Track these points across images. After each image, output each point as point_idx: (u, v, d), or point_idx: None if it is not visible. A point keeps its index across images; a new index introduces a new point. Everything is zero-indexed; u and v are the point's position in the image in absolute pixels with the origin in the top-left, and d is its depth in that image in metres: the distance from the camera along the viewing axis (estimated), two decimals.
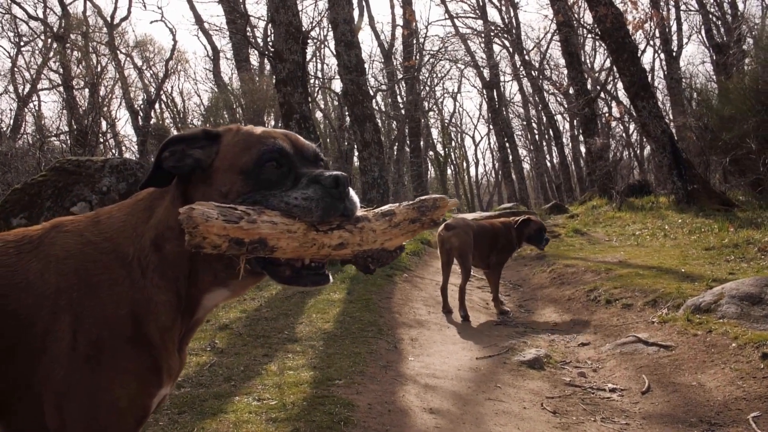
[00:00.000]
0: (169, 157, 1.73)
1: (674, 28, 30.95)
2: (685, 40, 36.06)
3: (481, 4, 34.23)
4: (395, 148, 26.31)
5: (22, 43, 32.12)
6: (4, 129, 28.35)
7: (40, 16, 31.94)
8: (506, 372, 5.14)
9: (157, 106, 35.47)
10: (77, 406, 1.58)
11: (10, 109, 35.24)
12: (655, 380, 4.70)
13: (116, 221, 1.77)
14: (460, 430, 3.76)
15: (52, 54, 30.85)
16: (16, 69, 32.21)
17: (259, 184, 1.64)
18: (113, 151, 32.59)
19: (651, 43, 32.94)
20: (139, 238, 1.73)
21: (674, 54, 29.47)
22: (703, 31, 31.17)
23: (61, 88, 30.45)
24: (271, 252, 1.52)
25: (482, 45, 35.83)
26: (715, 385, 4.34)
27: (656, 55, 35.36)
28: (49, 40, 31.29)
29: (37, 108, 33.24)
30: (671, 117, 26.54)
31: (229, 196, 1.63)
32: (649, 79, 28.50)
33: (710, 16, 29.22)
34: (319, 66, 35.53)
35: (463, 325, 7.06)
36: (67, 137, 26.69)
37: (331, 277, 1.70)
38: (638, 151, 36.83)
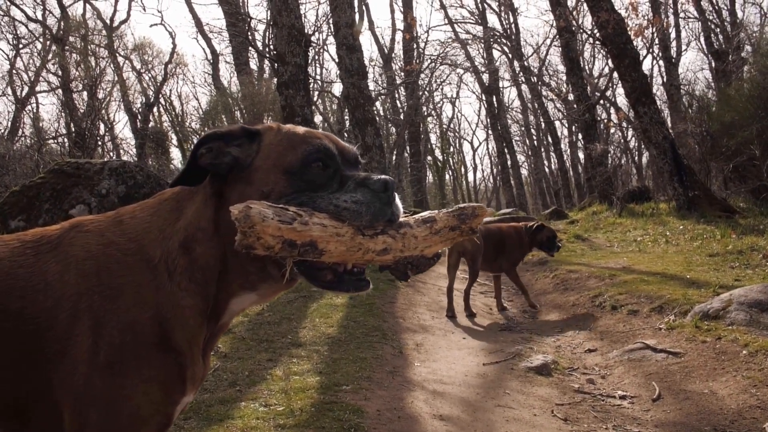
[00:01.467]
0: (205, 154, 1.67)
1: (673, 35, 31.03)
2: (684, 47, 36.26)
3: (480, 9, 34.32)
4: (395, 153, 26.27)
5: (20, 45, 32.06)
6: (2, 131, 28.28)
7: (39, 18, 31.89)
8: (514, 378, 5.08)
9: (155, 109, 35.43)
10: (97, 413, 1.51)
11: (8, 111, 35.20)
12: (665, 387, 4.64)
13: (141, 222, 1.70)
14: None
15: (50, 56, 30.80)
16: (14, 71, 32.15)
17: (305, 185, 1.60)
18: (111, 153, 32.55)
19: (650, 50, 33.05)
20: (167, 240, 1.66)
21: (673, 61, 29.51)
22: (702, 38, 31.28)
23: (59, 91, 30.37)
24: (320, 255, 1.48)
25: (482, 50, 35.91)
26: (727, 393, 4.28)
27: (655, 62, 35.45)
28: (48, 43, 31.24)
29: (35, 110, 33.18)
30: (670, 124, 26.58)
31: (271, 196, 1.57)
32: None
33: (709, 23, 29.30)
34: (319, 70, 35.58)
35: (467, 330, 7.00)
36: (66, 140, 26.62)
37: (369, 284, 1.66)
38: (636, 158, 36.91)
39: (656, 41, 28.79)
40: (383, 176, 1.58)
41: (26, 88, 32.09)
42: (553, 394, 4.74)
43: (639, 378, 4.97)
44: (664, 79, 31.02)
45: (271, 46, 16.18)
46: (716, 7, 29.87)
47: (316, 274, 1.59)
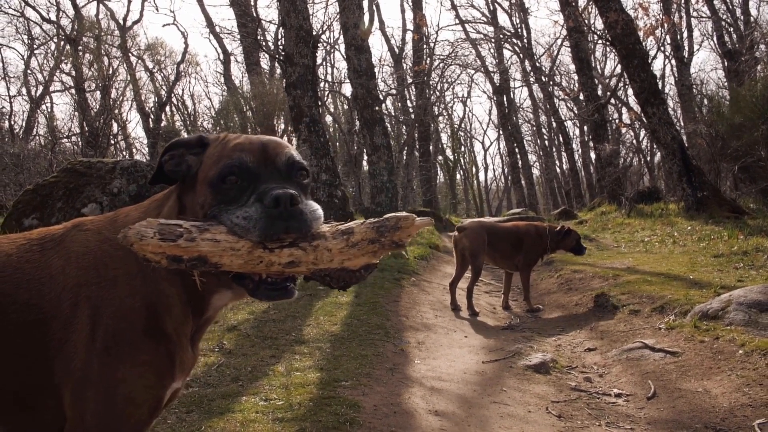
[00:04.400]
0: (168, 161, 1.81)
1: (685, 34, 30.86)
2: (696, 47, 35.88)
3: (491, 9, 34.32)
4: (404, 152, 26.34)
5: (35, 46, 32.50)
6: (17, 130, 28.65)
7: (53, 18, 32.30)
8: (512, 376, 5.15)
9: (167, 108, 35.72)
10: (94, 395, 1.65)
11: (23, 111, 35.59)
12: (660, 386, 4.70)
13: (131, 220, 1.83)
14: None
15: (64, 56, 31.14)
16: (29, 71, 32.56)
17: (221, 198, 1.66)
18: (124, 153, 32.83)
19: (662, 49, 32.89)
20: None
21: (685, 60, 29.35)
22: (714, 38, 31.07)
23: (73, 90, 30.73)
24: (215, 268, 1.55)
25: (492, 50, 35.90)
26: (721, 392, 4.34)
27: (667, 61, 35.29)
28: (62, 43, 31.61)
29: (49, 110, 33.58)
30: (682, 124, 26.47)
31: (204, 206, 1.68)
32: (660, 85, 28.43)
33: (722, 22, 29.11)
34: (329, 70, 35.71)
35: (470, 329, 7.08)
36: (79, 139, 26.93)
37: (293, 293, 1.67)
38: (648, 158, 36.73)
39: (667, 41, 28.66)
40: (278, 191, 1.58)
41: (40, 88, 32.51)
42: (549, 392, 4.81)
43: (636, 377, 5.03)
44: (677, 79, 30.87)
45: (281, 47, 16.33)
46: (729, 6, 29.72)
47: (242, 281, 1.66)
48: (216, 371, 4.70)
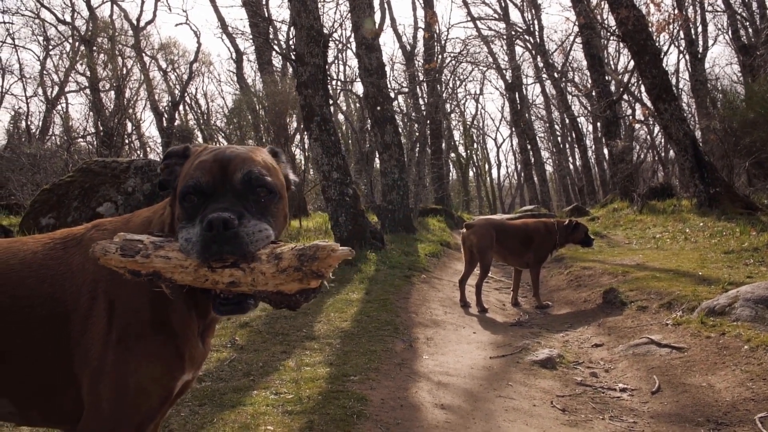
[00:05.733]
0: (164, 170, 1.92)
1: (699, 29, 30.61)
2: (711, 42, 35.68)
3: (503, 5, 34.22)
4: (416, 149, 26.37)
5: (50, 47, 32.85)
6: (34, 131, 29.01)
7: (68, 20, 32.63)
8: (518, 371, 5.23)
9: (181, 107, 35.98)
10: (109, 383, 1.77)
11: (39, 112, 36.04)
12: (665, 381, 4.76)
13: (143, 220, 1.98)
14: (470, 425, 3.86)
15: (79, 57, 31.47)
16: (44, 72, 32.95)
17: (186, 215, 1.72)
18: (138, 152, 33.12)
19: (676, 44, 32.67)
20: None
21: (699, 56, 29.13)
22: (729, 32, 30.75)
23: (87, 91, 31.05)
24: (171, 282, 1.64)
25: (504, 47, 35.82)
26: (724, 386, 4.39)
27: (681, 56, 35.03)
28: (77, 44, 31.94)
29: (64, 110, 33.93)
30: (696, 119, 26.29)
31: (179, 219, 1.75)
32: (675, 80, 28.25)
33: (737, 16, 28.83)
34: (342, 68, 35.82)
35: (478, 325, 7.15)
36: (94, 139, 27.24)
37: (247, 308, 1.70)
38: (663, 154, 36.51)
39: (681, 36, 28.46)
40: (212, 216, 1.60)
41: (56, 89, 32.89)
42: (555, 387, 4.89)
43: (641, 372, 5.09)
44: (691, 74, 30.63)
45: (292, 47, 16.44)
46: (745, 0, 29.41)
47: (206, 293, 1.72)
48: (228, 366, 4.81)
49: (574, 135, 35.75)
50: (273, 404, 3.94)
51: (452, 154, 43.62)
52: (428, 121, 24.94)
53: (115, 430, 1.77)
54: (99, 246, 1.63)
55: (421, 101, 29.01)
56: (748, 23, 29.32)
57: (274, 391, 4.21)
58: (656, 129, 34.35)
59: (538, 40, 33.33)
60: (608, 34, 23.52)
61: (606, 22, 24.27)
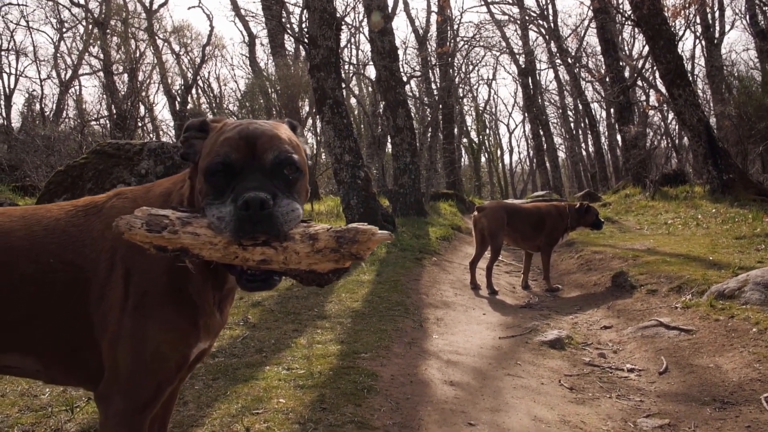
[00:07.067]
0: (183, 143, 1.91)
1: (717, 14, 30.21)
2: (727, 27, 35.12)
3: None
4: (428, 134, 26.33)
5: (64, 29, 33.02)
6: (48, 113, 29.24)
7: (82, 2, 32.72)
8: (527, 351, 5.29)
9: (194, 91, 36.12)
10: (126, 349, 1.84)
11: (53, 94, 36.24)
12: (673, 362, 4.80)
13: (163, 190, 2.02)
14: (478, 401, 3.93)
15: (92, 40, 31.61)
16: (58, 54, 33.13)
17: (212, 191, 1.72)
18: (151, 135, 33.33)
19: (692, 29, 32.28)
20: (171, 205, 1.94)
21: (715, 41, 28.80)
22: (747, 17, 30.34)
23: (101, 74, 31.23)
24: (197, 258, 1.65)
25: (518, 32, 35.56)
26: (731, 367, 4.42)
27: (697, 41, 34.62)
28: (90, 26, 32.06)
29: (78, 93, 34.14)
30: (711, 105, 26.03)
31: (201, 193, 1.77)
32: (690, 66, 27.92)
33: (755, 0, 28.42)
34: (354, 52, 35.71)
35: (488, 306, 7.21)
36: (107, 121, 27.41)
37: (274, 284, 1.73)
38: (676, 141, 36.22)
39: (697, 21, 28.12)
40: (250, 195, 1.61)
41: (69, 72, 33.07)
42: (563, 366, 4.94)
43: (649, 353, 5.13)
44: (707, 59, 30.29)
45: (305, 30, 16.43)
46: None
47: (231, 269, 1.75)
48: (241, 343, 4.90)
49: (587, 121, 35.60)
50: (285, 379, 4.01)
51: (464, 140, 43.50)
52: (440, 106, 24.88)
53: (133, 393, 1.84)
54: (123, 221, 1.60)
55: (433, 86, 28.92)
56: (766, 8, 28.89)
57: (286, 366, 4.29)
58: (670, 115, 34.04)
59: (552, 24, 33.05)
60: (623, 18, 23.24)
61: (621, 6, 24.02)
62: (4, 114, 31.28)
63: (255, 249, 1.62)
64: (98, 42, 30.38)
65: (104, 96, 29.95)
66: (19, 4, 43.03)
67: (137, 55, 31.43)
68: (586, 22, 31.73)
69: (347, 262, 1.66)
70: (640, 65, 28.26)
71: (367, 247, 1.64)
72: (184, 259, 1.67)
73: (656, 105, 31.84)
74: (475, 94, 46.84)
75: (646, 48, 27.52)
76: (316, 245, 1.64)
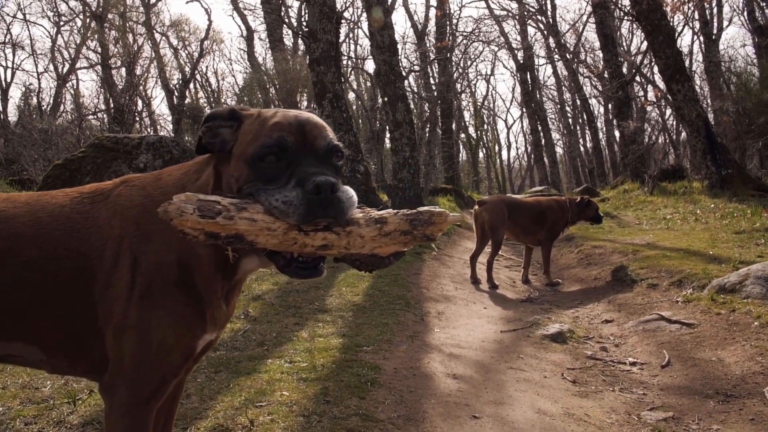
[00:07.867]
0: (205, 133, 1.85)
1: (715, 10, 30.20)
2: (725, 23, 35.18)
3: None
4: (427, 129, 26.31)
5: (61, 23, 32.89)
6: (45, 107, 29.13)
7: None
8: (529, 344, 5.28)
9: (192, 85, 36.03)
10: (131, 339, 1.80)
11: (51, 87, 36.13)
12: (675, 355, 4.80)
13: (173, 179, 1.96)
14: (482, 394, 3.92)
15: (90, 33, 31.49)
16: (55, 48, 33.00)
17: (259, 176, 1.69)
18: (149, 129, 33.25)
19: (690, 25, 32.27)
20: None
21: (713, 37, 28.79)
22: (745, 13, 30.35)
23: (98, 67, 31.12)
24: (251, 245, 1.60)
25: (516, 27, 35.54)
26: (734, 361, 4.42)
27: (695, 37, 34.62)
28: (88, 20, 31.93)
29: (75, 86, 34.04)
30: (709, 101, 26.06)
31: (238, 181, 1.73)
32: (688, 62, 27.94)
33: None
34: (352, 47, 35.63)
35: (489, 300, 7.21)
36: (105, 115, 27.34)
37: (322, 272, 1.71)
38: (674, 136, 36.26)
39: (695, 16, 28.11)
40: (320, 178, 1.61)
41: (67, 65, 32.96)
42: (565, 360, 4.94)
43: (651, 347, 5.13)
44: (705, 55, 30.29)
45: (304, 23, 16.39)
46: None
47: (274, 257, 1.72)
48: (242, 336, 4.89)
49: (585, 116, 35.57)
50: (288, 372, 4.00)
51: (462, 135, 43.47)
52: (439, 101, 24.84)
53: (138, 384, 1.81)
54: (173, 206, 1.51)
55: (431, 80, 28.88)
56: (764, 4, 28.88)
57: (288, 359, 4.28)
58: (668, 111, 34.12)
59: (550, 20, 33.04)
60: (622, 13, 23.24)
61: (620, 1, 23.99)
62: (0, 107, 31.17)
63: (317, 234, 1.61)
64: (96, 35, 30.25)
65: (102, 90, 29.89)
66: None
67: (135, 48, 31.32)
68: (584, 18, 31.70)
69: (413, 244, 1.71)
70: (638, 61, 28.26)
71: (440, 228, 1.71)
72: (233, 246, 1.60)
73: (654, 100, 31.86)
74: (474, 90, 46.82)
75: (645, 43, 27.53)
76: (385, 228, 1.66)
